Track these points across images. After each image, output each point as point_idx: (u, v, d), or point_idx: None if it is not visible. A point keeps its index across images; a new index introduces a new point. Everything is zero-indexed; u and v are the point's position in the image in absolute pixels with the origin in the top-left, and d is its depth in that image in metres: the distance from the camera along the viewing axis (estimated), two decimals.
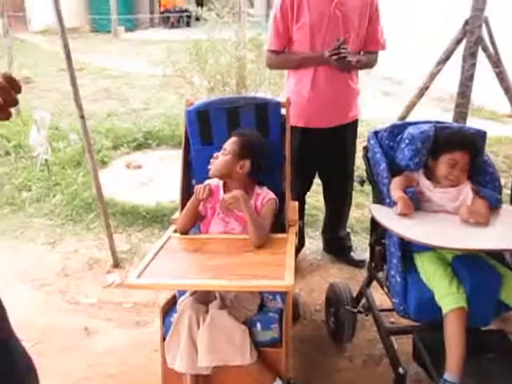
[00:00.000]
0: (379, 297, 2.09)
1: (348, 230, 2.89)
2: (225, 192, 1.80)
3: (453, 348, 1.53)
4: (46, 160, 3.60)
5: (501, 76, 4.21)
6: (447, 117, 3.53)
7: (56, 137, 4.29)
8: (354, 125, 2.51)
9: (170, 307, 1.66)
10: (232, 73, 3.73)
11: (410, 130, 1.85)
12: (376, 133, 1.97)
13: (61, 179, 3.62)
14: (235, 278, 1.33)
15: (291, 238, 1.67)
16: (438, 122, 1.93)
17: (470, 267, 1.63)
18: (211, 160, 1.80)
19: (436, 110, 5.65)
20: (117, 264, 2.75)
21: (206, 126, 1.90)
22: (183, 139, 1.95)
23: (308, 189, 2.64)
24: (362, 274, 2.70)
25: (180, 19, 14.33)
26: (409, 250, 1.77)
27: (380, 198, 1.87)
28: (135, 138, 4.35)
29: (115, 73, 7.89)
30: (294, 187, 2.34)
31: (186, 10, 12.24)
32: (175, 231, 1.80)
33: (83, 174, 3.62)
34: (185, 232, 1.78)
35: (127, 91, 6.70)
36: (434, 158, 1.82)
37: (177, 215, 1.88)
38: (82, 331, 2.25)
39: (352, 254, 2.80)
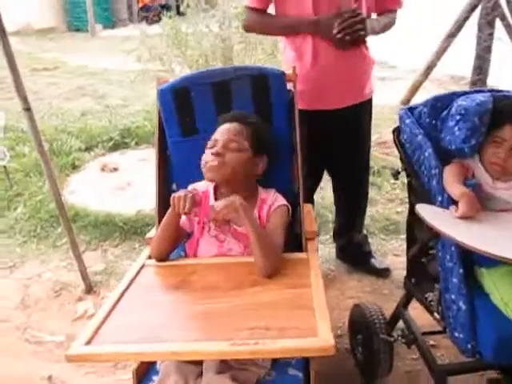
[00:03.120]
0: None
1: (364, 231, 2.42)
2: (216, 199, 1.31)
3: None
4: (5, 167, 3.08)
5: None
6: None
7: (20, 140, 3.76)
8: (369, 104, 2.04)
9: (147, 367, 1.16)
10: (217, 54, 3.22)
11: (462, 101, 1.38)
12: (412, 109, 1.50)
13: (24, 189, 3.10)
14: (242, 337, 0.84)
15: (313, 258, 1.18)
16: (495, 91, 1.46)
17: None
18: (206, 158, 1.29)
19: (439, 92, 5.22)
20: (90, 289, 2.27)
21: (186, 109, 1.40)
22: (156, 129, 1.45)
23: (315, 188, 2.19)
24: (387, 284, 2.26)
25: (160, 13, 13.76)
26: (470, 263, 1.31)
27: (425, 194, 1.40)
28: (111, 137, 3.83)
29: (92, 70, 7.35)
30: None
31: (166, 5, 11.75)
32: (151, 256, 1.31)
33: None
34: (162, 258, 1.29)
35: (104, 88, 6.16)
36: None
37: (152, 233, 1.39)
38: (44, 382, 1.77)
39: (373, 260, 2.33)
